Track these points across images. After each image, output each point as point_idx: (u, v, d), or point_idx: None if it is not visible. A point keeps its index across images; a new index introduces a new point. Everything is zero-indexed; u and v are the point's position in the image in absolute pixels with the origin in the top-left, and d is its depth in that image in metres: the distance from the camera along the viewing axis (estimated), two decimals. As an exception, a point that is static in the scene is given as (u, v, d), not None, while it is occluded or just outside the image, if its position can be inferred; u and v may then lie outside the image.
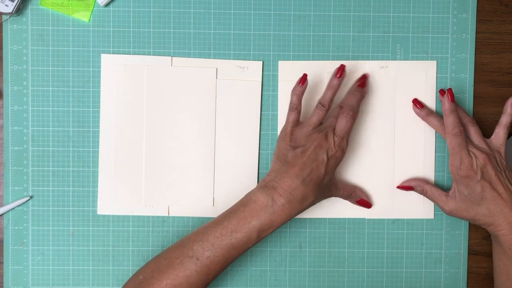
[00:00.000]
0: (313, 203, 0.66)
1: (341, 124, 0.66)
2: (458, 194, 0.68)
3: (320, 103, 0.68)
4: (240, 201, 0.66)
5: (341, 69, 0.69)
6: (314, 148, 0.65)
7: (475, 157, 0.67)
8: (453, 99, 0.68)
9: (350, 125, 0.67)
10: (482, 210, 0.67)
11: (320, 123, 0.68)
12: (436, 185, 0.73)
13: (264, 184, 0.65)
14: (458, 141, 0.67)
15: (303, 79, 0.68)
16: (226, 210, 0.66)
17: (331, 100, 0.68)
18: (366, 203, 0.72)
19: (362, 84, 0.70)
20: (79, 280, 0.73)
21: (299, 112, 0.68)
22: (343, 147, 0.66)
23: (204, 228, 0.65)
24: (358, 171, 0.73)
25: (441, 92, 0.71)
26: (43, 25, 0.72)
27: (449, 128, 0.68)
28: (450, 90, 0.68)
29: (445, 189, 0.72)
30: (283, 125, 0.69)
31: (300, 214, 0.73)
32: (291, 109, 0.68)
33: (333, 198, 0.72)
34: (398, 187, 0.73)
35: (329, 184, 0.67)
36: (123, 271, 0.73)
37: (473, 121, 0.70)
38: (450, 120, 0.68)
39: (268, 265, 0.74)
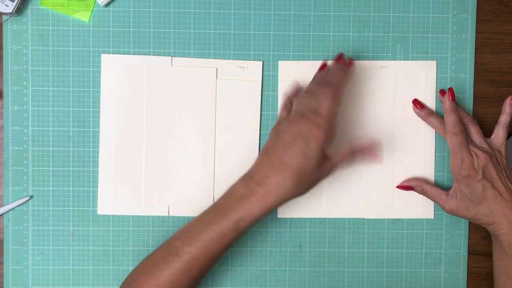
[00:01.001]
0: (298, 190, 0.61)
1: (324, 101, 0.61)
2: (459, 193, 0.68)
3: (305, 92, 0.65)
4: (222, 195, 0.64)
5: (325, 64, 0.68)
6: (294, 134, 0.61)
7: (476, 157, 0.67)
8: (454, 98, 0.68)
9: (331, 101, 0.61)
10: (482, 209, 0.67)
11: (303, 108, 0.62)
12: (436, 185, 0.73)
13: (244, 175, 0.63)
14: (459, 140, 0.67)
15: (296, 85, 0.67)
16: (210, 207, 0.64)
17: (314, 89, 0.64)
18: (373, 151, 0.66)
19: (323, 67, 0.68)
20: (79, 280, 0.73)
21: (289, 109, 0.66)
22: (326, 128, 0.60)
23: (187, 224, 0.64)
24: (358, 171, 0.73)
25: (441, 92, 0.71)
26: (43, 25, 0.72)
27: (450, 127, 0.68)
28: (450, 89, 0.68)
29: (445, 189, 0.71)
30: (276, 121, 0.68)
31: (301, 214, 0.73)
32: (282, 108, 0.67)
33: (331, 199, 0.72)
34: (398, 187, 0.73)
35: (317, 168, 0.61)
36: (123, 271, 0.73)
37: (474, 120, 0.70)
38: (450, 119, 0.68)
39: (268, 265, 0.74)
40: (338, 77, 0.64)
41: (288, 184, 0.60)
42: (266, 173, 0.61)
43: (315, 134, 0.60)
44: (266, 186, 0.61)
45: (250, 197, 0.61)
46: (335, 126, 0.62)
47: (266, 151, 0.63)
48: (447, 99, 0.68)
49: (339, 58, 0.67)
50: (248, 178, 0.62)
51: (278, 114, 0.68)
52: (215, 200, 0.65)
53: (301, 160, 0.60)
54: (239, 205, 0.61)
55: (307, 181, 0.62)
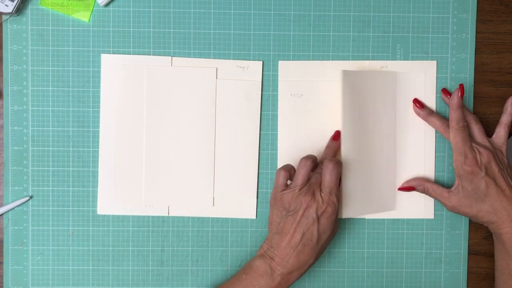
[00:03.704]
0: (317, 258, 0.66)
1: (326, 178, 0.65)
2: (461, 190, 0.68)
3: (303, 158, 0.67)
4: (241, 269, 0.67)
5: (338, 135, 0.71)
6: (303, 212, 0.64)
7: (479, 153, 0.67)
8: (463, 94, 0.67)
9: (335, 177, 0.65)
10: (485, 207, 0.67)
11: (306, 182, 0.66)
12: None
13: (262, 253, 0.66)
14: (462, 135, 0.67)
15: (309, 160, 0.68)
16: (230, 279, 0.67)
17: (314, 156, 0.68)
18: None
19: (336, 137, 0.71)
20: (79, 280, 0.73)
21: (285, 177, 0.67)
22: (333, 201, 0.64)
23: None
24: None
25: (444, 91, 0.71)
26: (43, 25, 0.72)
27: (454, 123, 0.67)
28: (461, 85, 0.67)
29: (446, 188, 0.71)
30: (272, 188, 0.68)
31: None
32: (276, 173, 0.67)
33: None
34: (399, 189, 0.73)
35: (330, 237, 0.66)
36: (123, 271, 0.73)
37: (477, 119, 0.70)
38: (456, 114, 0.67)
39: (268, 265, 0.74)
40: (334, 152, 0.70)
41: (310, 261, 0.65)
42: (286, 255, 0.64)
43: (324, 210, 0.65)
44: (289, 267, 0.64)
45: (273, 276, 0.65)
46: (340, 196, 0.67)
47: (280, 231, 0.65)
48: (455, 95, 0.67)
49: (337, 134, 0.71)
50: (269, 259, 0.65)
51: (277, 181, 0.67)
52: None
53: (314, 237, 0.64)
54: (263, 282, 0.65)
55: (324, 246, 0.67)
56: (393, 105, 0.73)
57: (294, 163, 0.71)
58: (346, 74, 0.68)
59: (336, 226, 0.67)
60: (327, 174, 0.65)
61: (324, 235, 0.65)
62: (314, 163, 0.67)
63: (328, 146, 0.71)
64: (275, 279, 0.64)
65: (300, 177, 0.66)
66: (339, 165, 0.66)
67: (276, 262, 0.65)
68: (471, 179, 0.67)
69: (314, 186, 0.65)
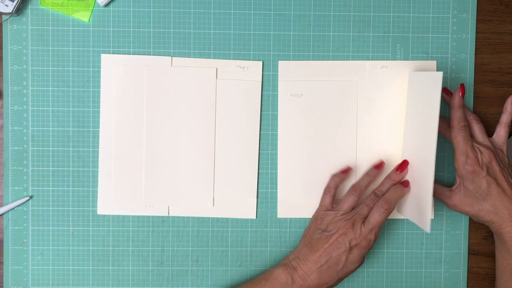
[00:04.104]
0: (336, 284, 0.67)
1: (374, 216, 0.66)
2: (462, 189, 0.68)
3: (352, 188, 0.69)
4: (262, 275, 0.68)
5: (381, 165, 0.71)
6: (338, 236, 0.66)
7: (480, 153, 0.67)
8: (464, 94, 0.67)
9: (383, 219, 0.66)
10: (486, 206, 0.67)
11: (351, 209, 0.68)
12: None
13: (287, 262, 0.68)
14: (464, 135, 0.67)
15: (347, 170, 0.71)
16: (249, 283, 0.68)
17: (366, 187, 0.69)
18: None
19: (402, 168, 0.70)
20: (79, 280, 0.73)
21: (332, 196, 0.70)
22: (370, 238, 0.66)
23: None
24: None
25: (445, 90, 0.71)
26: (43, 25, 0.72)
27: (455, 122, 0.67)
28: (462, 85, 0.67)
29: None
30: (318, 207, 0.71)
31: (301, 214, 0.73)
32: (325, 191, 0.70)
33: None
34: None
35: (355, 268, 0.67)
36: (123, 271, 0.73)
37: (478, 118, 0.70)
38: (458, 114, 0.67)
39: (268, 265, 0.74)
40: (396, 196, 0.68)
41: (330, 283, 0.66)
42: (309, 269, 0.66)
43: (358, 242, 0.66)
44: (309, 282, 0.66)
45: (293, 287, 0.66)
46: (378, 234, 0.67)
47: (311, 245, 0.67)
48: (457, 94, 0.67)
49: (381, 165, 0.71)
50: (292, 269, 0.67)
51: (320, 201, 0.70)
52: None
53: (340, 263, 0.66)
54: None
55: (347, 274, 0.68)
56: (393, 105, 0.73)
57: (295, 163, 0.71)
58: (412, 75, 0.69)
59: (363, 259, 0.68)
60: (377, 214, 0.66)
61: (351, 265, 0.66)
62: (363, 192, 0.69)
63: (391, 179, 0.69)
64: None
65: (346, 204, 0.68)
66: (392, 209, 0.67)
67: (298, 274, 0.66)
68: (472, 178, 0.67)
69: (358, 217, 0.67)
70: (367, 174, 0.71)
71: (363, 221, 0.66)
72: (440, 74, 0.64)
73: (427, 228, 0.66)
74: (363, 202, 0.68)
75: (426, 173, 0.66)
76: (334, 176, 0.71)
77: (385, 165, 0.71)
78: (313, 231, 0.68)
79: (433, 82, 0.65)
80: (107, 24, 0.72)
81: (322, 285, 0.66)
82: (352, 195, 0.68)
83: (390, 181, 0.69)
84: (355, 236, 0.66)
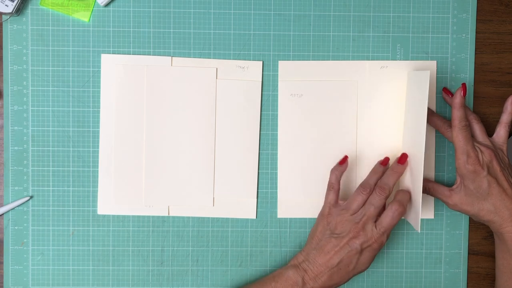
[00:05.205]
0: (346, 282, 0.67)
1: (387, 219, 0.66)
2: (463, 189, 0.68)
3: (361, 186, 0.68)
4: (272, 275, 0.68)
5: (386, 161, 0.70)
6: (349, 239, 0.65)
7: (481, 152, 0.67)
8: (465, 93, 0.67)
9: (395, 222, 0.66)
10: (487, 205, 0.67)
11: (359, 209, 0.67)
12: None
13: (296, 263, 0.67)
14: (464, 134, 0.67)
15: (344, 160, 0.70)
16: (257, 282, 0.68)
17: (374, 185, 0.68)
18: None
19: (403, 160, 0.70)
20: (79, 280, 0.73)
21: (337, 192, 0.69)
22: (382, 240, 0.66)
23: None
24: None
25: (445, 90, 0.71)
26: (43, 25, 0.72)
27: (457, 121, 0.67)
28: (464, 84, 0.67)
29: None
30: (323, 204, 0.70)
31: (301, 214, 0.73)
32: (329, 188, 0.69)
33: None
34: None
35: (366, 268, 0.67)
36: (123, 271, 0.73)
37: (478, 118, 0.70)
38: (459, 113, 0.67)
39: (268, 265, 0.74)
40: (409, 197, 0.68)
41: (341, 283, 0.67)
42: (319, 272, 0.66)
43: (370, 244, 0.66)
44: (320, 283, 0.66)
45: None
46: (389, 236, 0.67)
47: (320, 247, 0.67)
48: (458, 94, 0.67)
49: (385, 161, 0.70)
50: (303, 271, 0.66)
51: (325, 198, 0.69)
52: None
53: (351, 265, 0.66)
54: None
55: (358, 274, 0.67)
56: (393, 105, 0.73)
57: (295, 163, 0.71)
58: (411, 75, 0.69)
59: (373, 259, 0.67)
60: (389, 216, 0.66)
61: (362, 266, 0.66)
62: (372, 190, 0.68)
63: (394, 171, 0.69)
64: None
65: (355, 203, 0.67)
66: (405, 212, 0.67)
67: (308, 276, 0.66)
68: (473, 178, 0.67)
69: (368, 219, 0.66)
70: (374, 171, 0.70)
71: (374, 223, 0.66)
72: (427, 73, 0.64)
73: (417, 227, 0.66)
74: (369, 201, 0.67)
75: (417, 172, 0.66)
76: (333, 170, 0.70)
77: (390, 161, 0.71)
78: (321, 231, 0.68)
79: (422, 81, 0.65)
80: (107, 24, 0.72)
81: (333, 285, 0.66)
82: (361, 194, 0.67)
83: (395, 173, 0.68)
84: (366, 238, 0.65)
